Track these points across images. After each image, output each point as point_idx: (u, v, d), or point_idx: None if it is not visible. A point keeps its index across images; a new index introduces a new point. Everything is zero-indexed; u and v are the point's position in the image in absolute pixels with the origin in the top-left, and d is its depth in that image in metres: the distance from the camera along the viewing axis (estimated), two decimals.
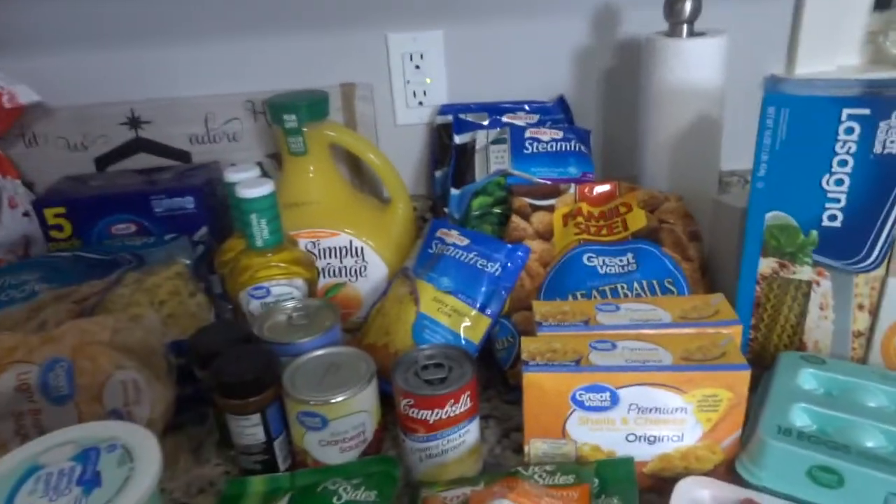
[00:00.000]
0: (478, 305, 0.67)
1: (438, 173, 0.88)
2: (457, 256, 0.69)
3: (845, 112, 0.53)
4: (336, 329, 0.61)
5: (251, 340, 0.59)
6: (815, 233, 0.57)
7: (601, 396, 0.51)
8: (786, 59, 0.91)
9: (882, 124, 0.52)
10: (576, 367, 0.51)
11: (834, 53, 0.89)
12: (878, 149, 0.53)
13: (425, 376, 0.54)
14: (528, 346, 0.54)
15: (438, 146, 0.88)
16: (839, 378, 0.56)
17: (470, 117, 0.87)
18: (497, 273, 0.68)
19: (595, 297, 0.65)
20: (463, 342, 0.66)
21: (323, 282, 0.79)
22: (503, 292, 0.68)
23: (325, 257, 0.78)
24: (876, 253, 0.56)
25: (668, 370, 0.50)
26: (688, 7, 0.71)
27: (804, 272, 0.59)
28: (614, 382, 0.51)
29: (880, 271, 0.56)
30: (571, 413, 0.52)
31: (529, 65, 0.89)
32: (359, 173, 0.91)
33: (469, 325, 0.67)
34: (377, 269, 0.79)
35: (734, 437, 0.52)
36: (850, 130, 0.53)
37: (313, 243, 0.77)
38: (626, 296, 0.65)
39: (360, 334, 0.74)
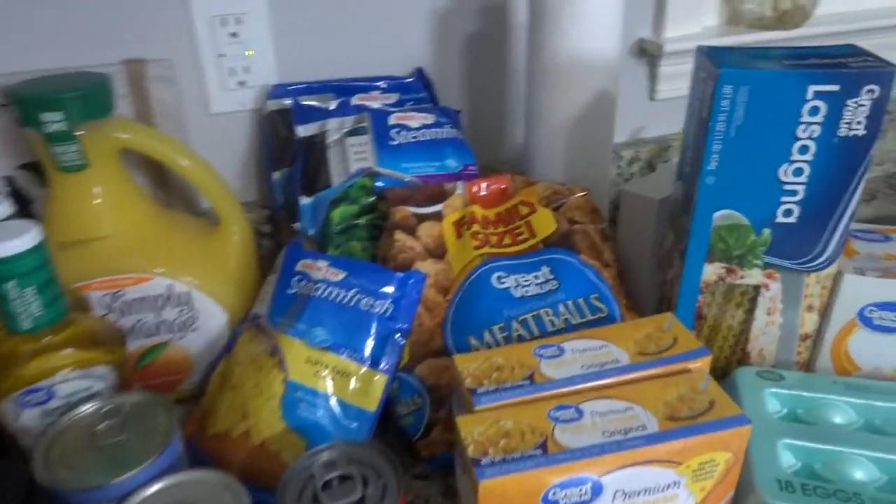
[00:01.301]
0: (368, 360, 0.51)
1: (277, 175, 0.68)
2: (331, 297, 0.51)
3: (811, 89, 0.44)
4: (175, 442, 0.40)
5: (32, 489, 0.37)
6: (767, 231, 0.49)
7: (580, 490, 0.38)
8: (653, 21, 0.83)
9: (850, 102, 0.44)
10: (545, 458, 0.37)
11: (698, 14, 0.84)
12: (843, 131, 0.45)
13: (329, 500, 0.37)
14: (470, 431, 0.39)
15: (274, 140, 0.68)
16: (803, 395, 0.49)
17: (313, 100, 0.67)
18: (388, 313, 0.52)
19: (516, 329, 0.52)
20: (354, 412, 0.49)
21: (134, 344, 0.56)
22: (399, 337, 0.52)
23: (132, 313, 0.55)
24: (831, 249, 0.49)
25: (659, 441, 0.38)
26: None
27: (753, 276, 0.51)
28: (597, 469, 0.38)
29: (833, 268, 0.50)
30: None
31: (379, 30, 0.71)
32: (162, 183, 0.67)
33: (359, 389, 0.50)
34: (212, 317, 0.58)
35: (727, 499, 0.43)
36: (814, 111, 0.45)
37: (112, 296, 0.54)
38: (552, 323, 0.52)
39: (197, 413, 0.54)
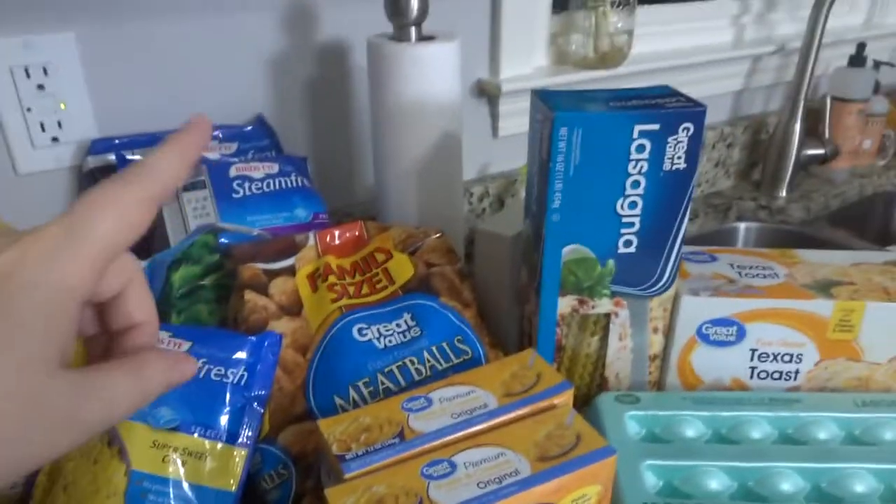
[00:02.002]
0: (223, 436, 0.46)
1: None
2: None
3: (637, 129, 0.47)
4: None
5: None
6: (611, 262, 0.51)
7: None
8: (489, 63, 0.87)
9: (670, 139, 0.48)
10: None
11: (530, 56, 0.89)
12: (666, 165, 0.49)
13: None
14: (342, 503, 0.37)
15: None
16: (658, 415, 0.52)
17: (140, 154, 0.62)
18: (242, 381, 0.48)
19: (382, 381, 0.50)
20: (211, 496, 0.45)
21: None
22: (257, 406, 0.48)
23: None
24: (668, 273, 0.52)
25: (533, 485, 0.38)
26: (414, 5, 0.59)
27: (603, 305, 0.53)
28: None
29: (672, 291, 0.53)
30: None
31: (212, 77, 0.67)
32: None
33: (215, 469, 0.46)
34: None
35: None
36: (641, 148, 0.48)
37: None
38: (418, 371, 0.51)
39: None
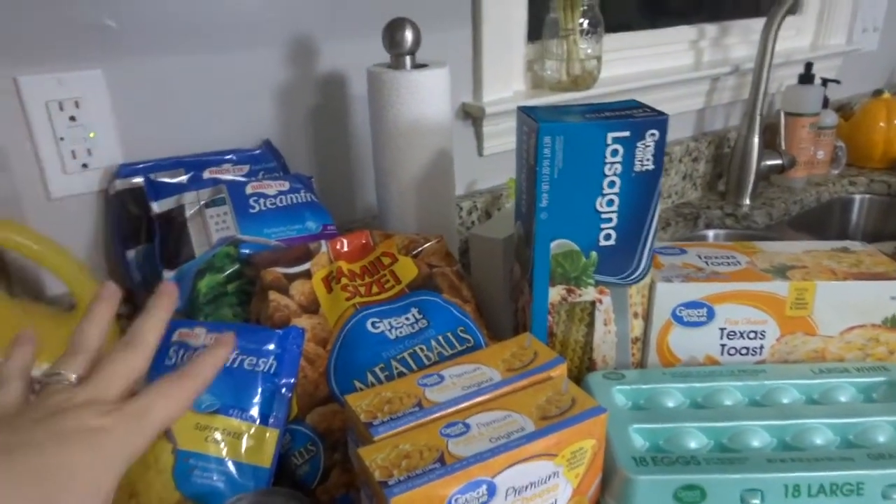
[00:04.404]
0: (257, 418, 0.52)
1: (132, 254, 0.67)
2: None
3: (610, 136, 0.55)
4: None
5: None
6: (594, 254, 0.58)
7: (478, 493, 0.43)
8: (472, 88, 0.95)
9: (639, 144, 0.55)
10: (444, 469, 0.42)
11: (509, 80, 0.97)
12: (637, 167, 0.56)
13: None
14: (373, 458, 0.42)
15: (125, 219, 0.67)
16: (642, 388, 0.58)
17: (164, 177, 0.68)
18: (272, 370, 0.54)
19: (396, 367, 0.56)
20: (249, 471, 0.50)
21: None
22: (285, 391, 0.54)
23: None
24: (644, 263, 0.59)
25: (538, 437, 0.44)
26: (409, 38, 0.67)
27: (588, 293, 0.60)
28: (489, 471, 0.43)
29: (648, 279, 0.60)
30: None
31: (224, 106, 0.74)
32: (2, 269, 0.64)
33: (252, 447, 0.51)
34: None
35: (597, 483, 0.49)
36: (615, 153, 0.55)
37: None
38: (427, 357, 0.57)
39: None
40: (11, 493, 0.30)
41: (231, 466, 0.49)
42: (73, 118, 0.65)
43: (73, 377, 0.37)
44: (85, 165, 0.67)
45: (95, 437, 0.33)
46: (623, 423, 0.53)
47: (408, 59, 0.68)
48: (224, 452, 0.50)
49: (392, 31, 0.66)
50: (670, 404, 0.57)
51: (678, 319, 0.62)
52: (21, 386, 0.38)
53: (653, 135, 0.55)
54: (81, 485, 0.32)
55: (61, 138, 0.65)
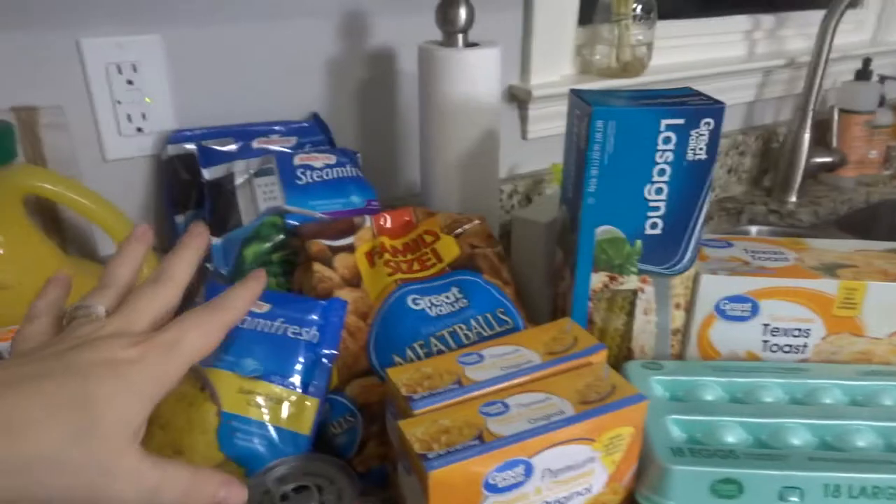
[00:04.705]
0: (298, 386, 0.53)
1: (180, 219, 0.69)
2: (258, 328, 0.53)
3: (663, 122, 0.54)
4: None
5: None
6: (639, 242, 0.58)
7: (514, 472, 0.43)
8: (520, 71, 0.94)
9: (693, 133, 0.54)
10: (483, 446, 0.42)
11: (557, 65, 0.96)
12: (689, 156, 0.55)
13: None
14: (413, 431, 0.43)
15: (176, 184, 0.68)
16: (681, 380, 0.58)
17: (214, 144, 0.69)
18: (314, 339, 0.54)
19: (435, 344, 0.56)
20: (289, 437, 0.51)
21: None
22: (326, 361, 0.54)
23: None
24: (689, 254, 0.59)
25: (577, 421, 0.45)
26: (462, 15, 0.66)
27: (630, 282, 0.59)
28: (527, 452, 0.43)
29: (693, 271, 0.60)
30: (484, 502, 0.43)
31: (275, 77, 0.74)
32: (57, 230, 0.65)
33: (292, 414, 0.52)
34: None
35: (632, 472, 0.49)
36: (667, 140, 0.54)
37: None
38: (466, 336, 0.57)
39: None
40: (41, 420, 0.30)
41: (272, 431, 0.51)
42: (130, 82, 0.66)
43: (101, 310, 0.37)
44: (140, 129, 0.68)
45: (124, 368, 0.33)
46: (660, 413, 0.53)
47: (460, 37, 0.68)
48: (266, 417, 0.51)
49: (446, 8, 0.66)
50: (709, 397, 0.57)
51: (721, 313, 0.61)
52: (49, 321, 0.37)
53: (707, 123, 0.54)
54: (111, 414, 0.32)
55: (118, 101, 0.66)
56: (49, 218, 0.64)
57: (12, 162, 0.52)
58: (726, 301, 0.60)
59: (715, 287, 0.60)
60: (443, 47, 0.67)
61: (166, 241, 0.73)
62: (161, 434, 0.51)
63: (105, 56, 0.64)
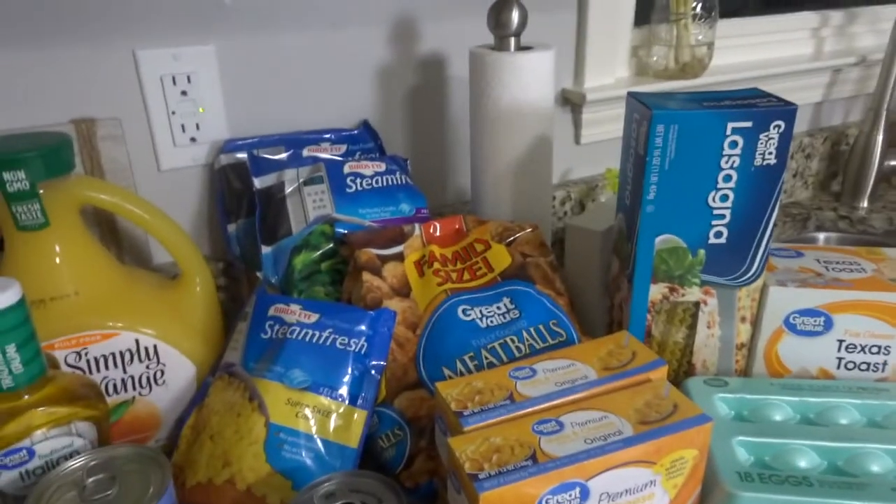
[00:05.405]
0: (346, 398, 0.52)
1: (232, 227, 0.69)
2: (306, 339, 0.53)
3: (730, 126, 0.51)
4: (170, 491, 0.40)
5: None
6: (702, 252, 0.55)
7: (570, 495, 0.41)
8: (573, 74, 0.91)
9: (762, 136, 0.51)
10: (537, 468, 0.40)
11: (612, 67, 0.93)
12: (758, 161, 0.52)
13: None
14: (464, 450, 0.41)
15: (228, 193, 0.69)
16: (747, 398, 0.54)
17: (265, 153, 0.69)
18: (362, 350, 0.54)
19: (485, 356, 0.55)
20: (336, 450, 0.50)
21: None
22: (375, 373, 0.53)
23: (98, 370, 0.54)
24: (756, 265, 0.55)
25: (637, 443, 0.42)
26: (515, 18, 0.64)
27: (692, 293, 0.56)
28: (583, 474, 0.41)
29: (760, 282, 0.56)
30: None
31: (325, 85, 0.74)
32: (114, 240, 0.67)
33: (340, 426, 0.51)
34: (180, 370, 0.57)
35: (695, 497, 0.46)
36: (734, 144, 0.51)
37: (77, 353, 0.52)
38: (518, 349, 0.56)
39: (172, 466, 0.53)
40: None
41: (319, 444, 0.50)
42: (184, 93, 0.67)
43: None
44: (193, 139, 0.69)
45: None
46: (726, 433, 0.50)
47: (512, 40, 0.66)
48: (313, 429, 0.50)
49: (498, 12, 0.65)
50: (778, 418, 0.53)
51: (791, 327, 0.57)
52: None
53: (778, 126, 0.51)
54: None
55: (173, 112, 0.67)
56: (106, 228, 0.65)
57: (70, 173, 0.53)
58: (797, 315, 0.57)
59: (784, 300, 0.56)
60: (494, 51, 0.66)
61: (219, 251, 0.73)
62: (210, 444, 0.51)
63: (160, 67, 0.65)
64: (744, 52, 1.05)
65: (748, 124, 0.51)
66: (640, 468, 0.42)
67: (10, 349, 0.39)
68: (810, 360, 0.58)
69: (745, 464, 0.48)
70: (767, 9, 1.08)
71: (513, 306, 0.58)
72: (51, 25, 0.60)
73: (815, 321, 0.56)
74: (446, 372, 0.54)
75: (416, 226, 0.64)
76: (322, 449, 0.50)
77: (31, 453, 0.41)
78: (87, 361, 0.53)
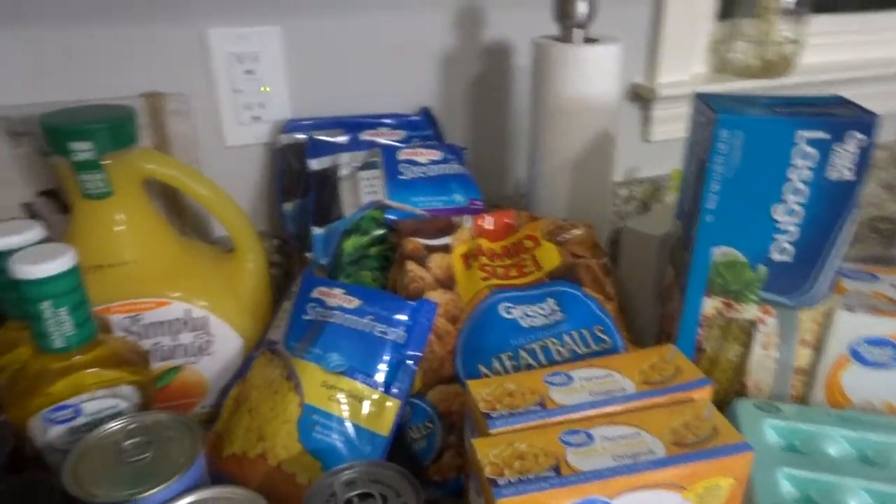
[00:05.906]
0: (381, 385, 0.52)
1: (288, 206, 0.70)
2: (346, 324, 0.53)
3: (801, 135, 0.47)
4: (200, 460, 0.41)
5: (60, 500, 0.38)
6: (763, 268, 0.52)
7: None
8: (645, 68, 0.88)
9: (838, 148, 0.47)
10: (559, 480, 0.39)
11: (689, 62, 0.88)
12: (832, 175, 0.48)
13: None
14: (486, 453, 0.41)
15: (286, 172, 0.70)
16: (800, 427, 0.51)
17: (323, 135, 0.70)
18: (401, 340, 0.54)
19: (524, 357, 0.54)
20: (367, 436, 0.51)
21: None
22: (411, 363, 0.53)
23: (150, 336, 0.56)
24: (823, 286, 0.52)
25: (667, 465, 0.40)
26: (582, 9, 0.62)
27: (749, 311, 0.53)
28: (608, 492, 0.39)
29: (825, 305, 0.52)
30: None
31: (387, 70, 0.74)
32: (178, 212, 0.69)
33: (372, 413, 0.51)
34: (228, 342, 0.59)
35: None
36: (805, 155, 0.48)
37: (131, 319, 0.55)
38: (558, 352, 0.54)
39: (211, 436, 0.55)
40: None
41: (350, 428, 0.50)
42: (250, 72, 0.68)
43: None
44: (257, 118, 0.70)
45: None
46: (771, 463, 0.47)
47: (578, 32, 0.64)
48: (346, 414, 0.51)
49: (563, 1, 0.62)
50: (832, 452, 0.50)
51: (857, 356, 0.53)
52: None
53: (857, 138, 0.47)
54: None
55: (238, 90, 0.69)
56: (171, 200, 0.68)
57: (133, 146, 0.55)
58: (865, 343, 0.53)
59: (852, 326, 0.53)
60: (558, 42, 0.64)
61: (275, 228, 0.75)
62: (248, 418, 0.52)
63: (227, 46, 0.67)
64: (833, 51, 0.98)
65: (822, 135, 0.47)
66: (670, 492, 0.41)
67: (63, 312, 0.41)
68: (877, 393, 0.54)
69: (788, 499, 0.45)
70: (865, 5, 1.00)
71: (557, 308, 0.57)
72: (126, 4, 0.63)
73: (885, 352, 0.52)
74: (482, 369, 0.53)
75: (467, 217, 0.63)
76: (353, 434, 0.50)
77: (79, 411, 0.43)
78: (140, 327, 0.55)
